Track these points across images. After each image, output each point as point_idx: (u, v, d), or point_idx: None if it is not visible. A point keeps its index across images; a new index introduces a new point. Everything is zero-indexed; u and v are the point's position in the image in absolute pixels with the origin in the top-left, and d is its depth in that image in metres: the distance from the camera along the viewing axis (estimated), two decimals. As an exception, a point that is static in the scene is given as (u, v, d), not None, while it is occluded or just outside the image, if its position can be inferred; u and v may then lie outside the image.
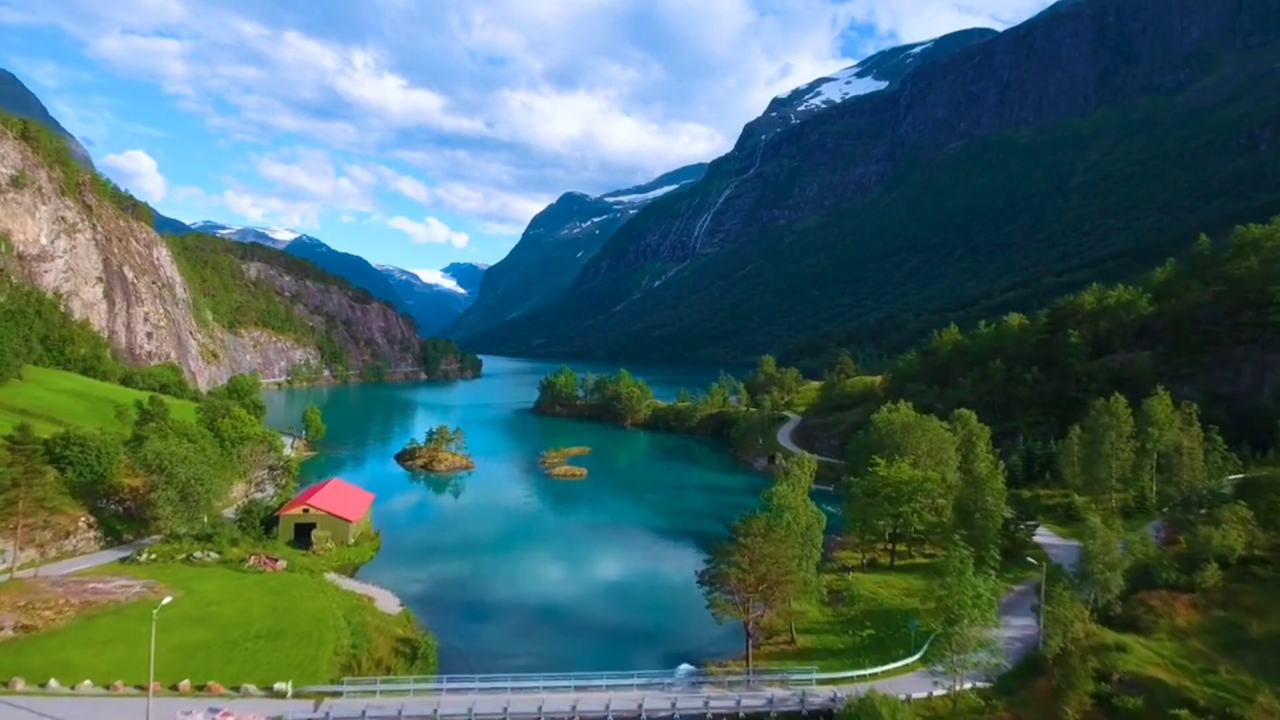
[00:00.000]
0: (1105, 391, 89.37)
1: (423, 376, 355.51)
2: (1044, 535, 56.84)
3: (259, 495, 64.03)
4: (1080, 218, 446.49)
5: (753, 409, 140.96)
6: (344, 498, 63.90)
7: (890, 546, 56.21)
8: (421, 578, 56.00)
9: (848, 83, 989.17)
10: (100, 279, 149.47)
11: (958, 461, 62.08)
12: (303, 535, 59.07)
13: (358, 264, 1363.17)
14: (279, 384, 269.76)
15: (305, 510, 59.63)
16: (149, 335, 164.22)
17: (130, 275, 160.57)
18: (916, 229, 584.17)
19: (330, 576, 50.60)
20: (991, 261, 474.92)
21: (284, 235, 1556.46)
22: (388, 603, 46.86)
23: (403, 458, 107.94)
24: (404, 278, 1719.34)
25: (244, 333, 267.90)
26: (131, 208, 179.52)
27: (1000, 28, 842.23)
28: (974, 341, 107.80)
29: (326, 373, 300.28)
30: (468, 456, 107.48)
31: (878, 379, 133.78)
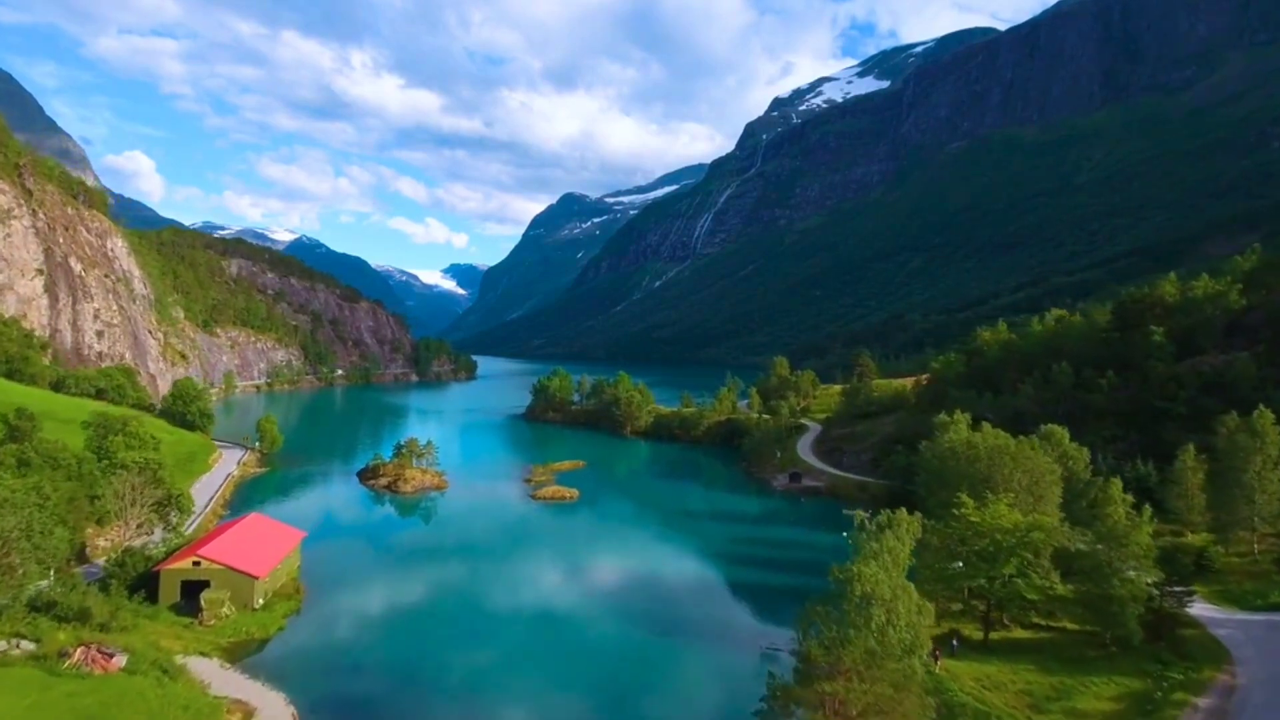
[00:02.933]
0: (1197, 400, 75.29)
1: (414, 378, 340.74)
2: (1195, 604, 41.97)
3: (141, 542, 48.57)
4: (1086, 217, 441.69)
5: (766, 416, 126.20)
6: (254, 542, 48.85)
7: (985, 614, 41.28)
8: (343, 659, 41.03)
9: (849, 82, 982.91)
10: (40, 271, 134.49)
11: (1059, 498, 47.29)
12: (194, 596, 44.18)
13: (357, 264, 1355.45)
14: (258, 386, 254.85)
15: (195, 563, 44.69)
16: (99, 334, 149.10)
17: (78, 268, 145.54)
18: (919, 228, 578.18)
19: (203, 667, 35.69)
20: (996, 261, 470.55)
21: (284, 236, 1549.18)
22: (274, 716, 32.03)
23: (365, 475, 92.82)
24: (404, 278, 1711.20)
25: (220, 332, 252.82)
26: (84, 194, 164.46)
27: (1001, 27, 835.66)
28: (1028, 341, 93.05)
29: (310, 375, 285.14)
30: (440, 474, 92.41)
31: (908, 382, 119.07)
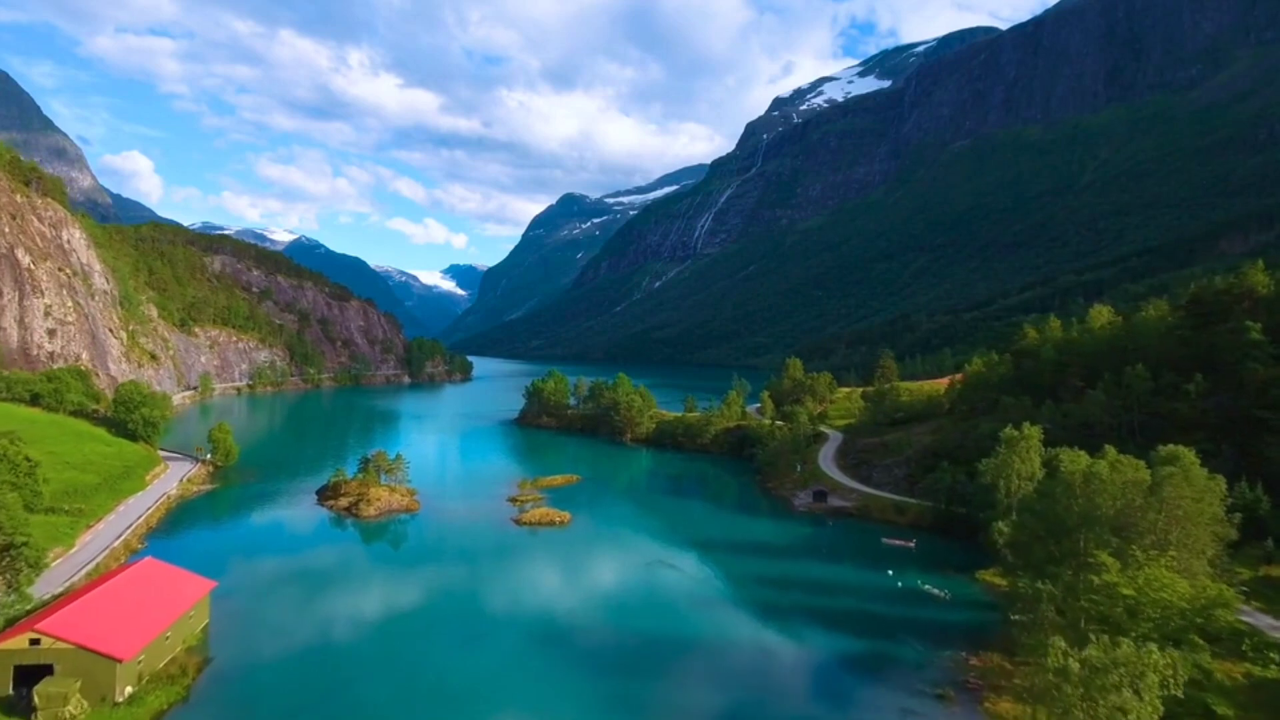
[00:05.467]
0: (1304, 409, 63.71)
1: (406, 380, 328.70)
2: None
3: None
4: (1093, 216, 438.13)
5: (780, 423, 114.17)
6: (131, 604, 36.55)
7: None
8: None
9: (850, 82, 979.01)
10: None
11: (1212, 549, 35.07)
12: (35, 685, 32.01)
13: (356, 265, 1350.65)
14: (238, 389, 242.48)
15: (33, 641, 32.53)
16: (51, 332, 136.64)
17: (26, 260, 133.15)
18: (923, 228, 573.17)
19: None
20: (1002, 261, 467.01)
21: (283, 236, 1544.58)
22: None
23: (325, 495, 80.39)
24: (403, 279, 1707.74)
25: (199, 331, 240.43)
26: (37, 181, 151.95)
27: (1001, 26, 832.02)
28: (1089, 340, 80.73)
29: (296, 376, 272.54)
30: (412, 492, 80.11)
31: (939, 384, 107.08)
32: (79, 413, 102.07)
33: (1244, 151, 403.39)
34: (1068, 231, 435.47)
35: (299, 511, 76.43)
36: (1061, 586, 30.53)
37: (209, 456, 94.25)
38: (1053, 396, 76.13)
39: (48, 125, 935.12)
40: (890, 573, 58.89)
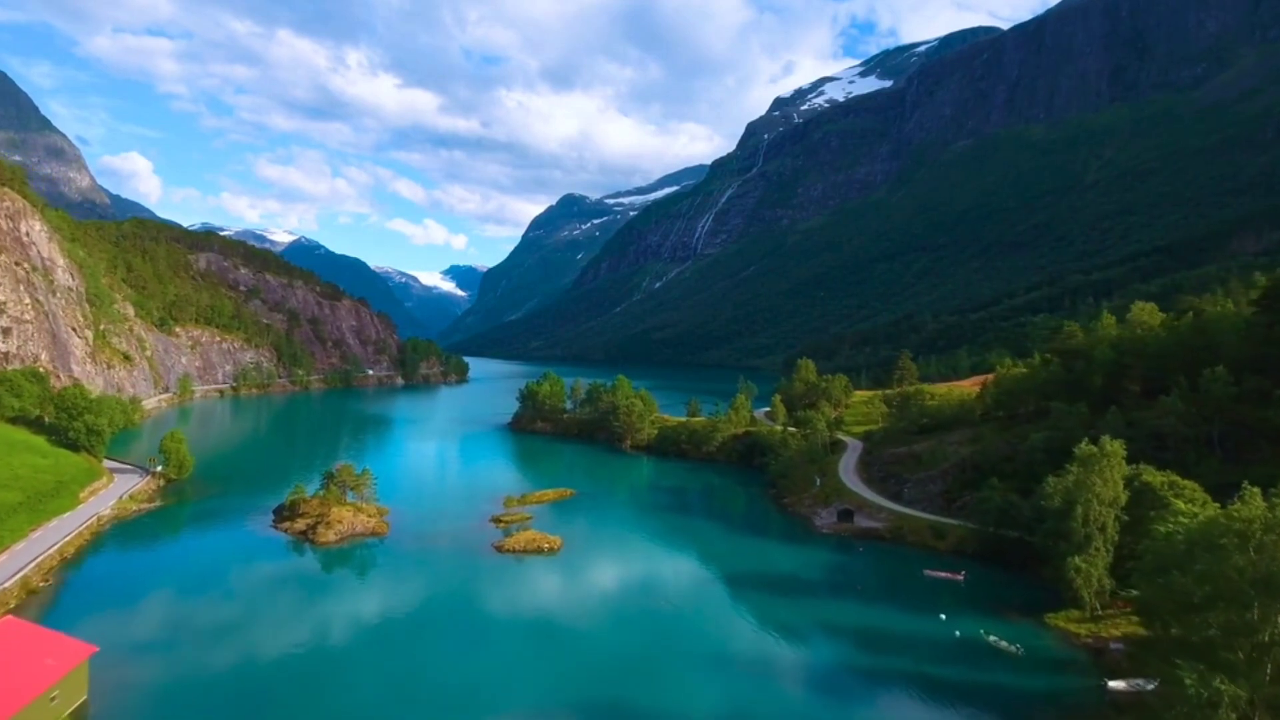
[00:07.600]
0: None
1: (399, 381, 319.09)
2: None
3: None
4: (1098, 215, 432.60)
5: (792, 430, 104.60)
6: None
7: None
8: None
9: (851, 82, 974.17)
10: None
11: None
12: None
13: (356, 266, 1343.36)
14: (221, 391, 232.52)
15: None
16: (5, 331, 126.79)
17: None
18: (925, 228, 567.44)
19: None
20: (1006, 261, 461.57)
21: (283, 237, 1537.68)
22: None
23: (282, 515, 70.49)
24: (403, 280, 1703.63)
25: (180, 331, 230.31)
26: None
27: (1001, 25, 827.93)
28: (1153, 338, 70.79)
29: (283, 378, 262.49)
30: (382, 511, 70.26)
31: (970, 387, 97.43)
32: (20, 419, 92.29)
33: (1250, 150, 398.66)
34: (1072, 231, 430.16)
35: (248, 536, 66.25)
36: (1248, 686, 21.22)
37: (159, 469, 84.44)
38: (1108, 403, 66.70)
39: (45, 125, 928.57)
40: (943, 616, 49.21)
